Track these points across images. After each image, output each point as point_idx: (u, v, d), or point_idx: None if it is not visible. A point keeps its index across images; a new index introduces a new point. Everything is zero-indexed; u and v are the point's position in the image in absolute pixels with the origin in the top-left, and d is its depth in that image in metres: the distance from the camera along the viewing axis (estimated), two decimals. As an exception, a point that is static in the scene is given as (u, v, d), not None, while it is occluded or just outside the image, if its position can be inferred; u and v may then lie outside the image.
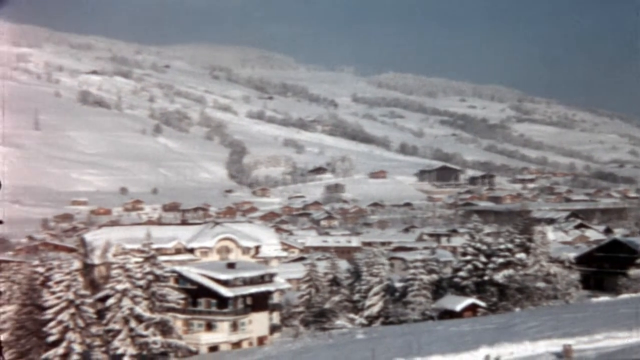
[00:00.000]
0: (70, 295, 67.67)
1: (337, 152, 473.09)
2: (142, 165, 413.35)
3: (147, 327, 69.06)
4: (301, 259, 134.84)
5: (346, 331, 79.65)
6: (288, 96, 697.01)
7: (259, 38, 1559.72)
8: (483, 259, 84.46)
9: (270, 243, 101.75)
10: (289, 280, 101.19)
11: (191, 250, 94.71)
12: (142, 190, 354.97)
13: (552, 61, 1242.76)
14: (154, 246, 76.24)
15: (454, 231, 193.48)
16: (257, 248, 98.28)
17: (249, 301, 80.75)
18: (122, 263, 70.69)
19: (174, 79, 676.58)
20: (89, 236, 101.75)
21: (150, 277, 71.04)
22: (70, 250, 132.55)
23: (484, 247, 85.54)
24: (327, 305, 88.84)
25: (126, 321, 68.52)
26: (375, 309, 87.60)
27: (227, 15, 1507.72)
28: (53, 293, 68.12)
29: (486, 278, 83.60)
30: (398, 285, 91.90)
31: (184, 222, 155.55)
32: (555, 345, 44.46)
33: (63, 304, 67.48)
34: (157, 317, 69.96)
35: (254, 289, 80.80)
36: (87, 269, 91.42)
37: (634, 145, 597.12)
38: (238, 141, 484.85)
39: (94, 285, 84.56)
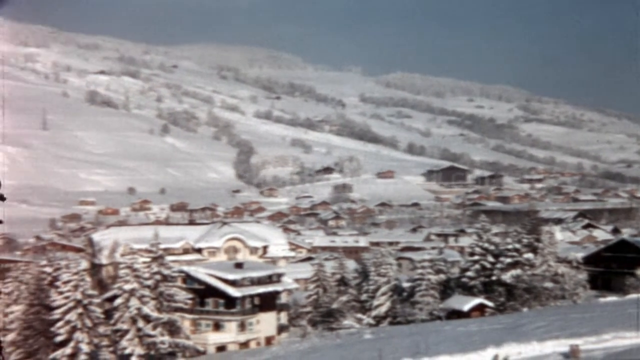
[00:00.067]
0: (78, 295, 67.78)
1: (345, 152, 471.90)
2: (150, 165, 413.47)
3: (154, 327, 69.13)
4: (309, 259, 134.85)
5: (354, 331, 79.71)
6: (296, 96, 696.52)
7: (266, 38, 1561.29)
8: (491, 259, 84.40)
9: (277, 243, 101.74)
10: (297, 280, 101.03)
11: (199, 250, 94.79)
12: (149, 190, 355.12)
13: (554, 61, 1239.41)
14: (162, 246, 76.32)
15: (462, 231, 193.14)
16: (265, 248, 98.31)
17: (256, 301, 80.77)
18: (129, 263, 70.77)
19: (182, 79, 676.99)
20: (96, 236, 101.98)
21: (158, 277, 71.13)
22: (78, 250, 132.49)
23: (492, 247, 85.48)
24: (334, 305, 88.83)
25: (134, 321, 68.60)
26: (382, 309, 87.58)
27: (234, 16, 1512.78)
28: (61, 293, 68.21)
29: (494, 278, 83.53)
30: (406, 285, 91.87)
31: (192, 222, 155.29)
32: (563, 345, 44.49)
33: (71, 304, 67.58)
34: (165, 317, 70.03)
35: (261, 289, 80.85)
36: (95, 269, 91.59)
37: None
38: (246, 141, 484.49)
39: (101, 285, 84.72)
